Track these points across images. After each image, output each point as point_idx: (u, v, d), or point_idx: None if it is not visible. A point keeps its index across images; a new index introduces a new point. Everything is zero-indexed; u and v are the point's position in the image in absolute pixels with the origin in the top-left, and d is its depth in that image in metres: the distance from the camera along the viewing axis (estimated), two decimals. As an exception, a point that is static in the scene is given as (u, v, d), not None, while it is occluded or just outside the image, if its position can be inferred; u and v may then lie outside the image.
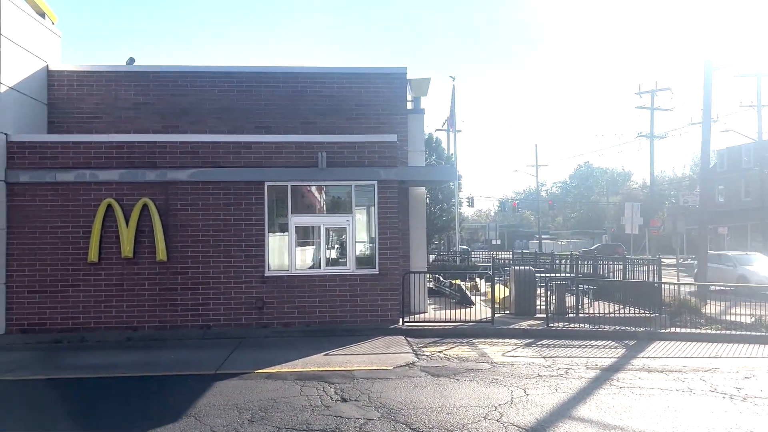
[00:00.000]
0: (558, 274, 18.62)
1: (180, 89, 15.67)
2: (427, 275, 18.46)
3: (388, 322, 13.81)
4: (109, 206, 13.33)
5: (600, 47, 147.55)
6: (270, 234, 13.84)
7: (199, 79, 15.70)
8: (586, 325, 13.86)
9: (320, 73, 15.91)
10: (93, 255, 13.25)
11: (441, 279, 21.68)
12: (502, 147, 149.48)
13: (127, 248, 13.28)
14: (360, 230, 14.20)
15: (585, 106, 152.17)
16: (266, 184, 13.78)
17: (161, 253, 13.36)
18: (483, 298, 18.64)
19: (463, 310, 15.90)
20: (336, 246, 14.18)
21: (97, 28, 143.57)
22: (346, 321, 13.78)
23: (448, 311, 15.17)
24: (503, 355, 11.37)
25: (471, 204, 71.00)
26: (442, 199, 51.19)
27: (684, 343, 12.84)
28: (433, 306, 16.37)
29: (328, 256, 14.02)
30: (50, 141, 13.46)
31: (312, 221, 14.02)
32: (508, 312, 15.82)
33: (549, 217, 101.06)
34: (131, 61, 16.52)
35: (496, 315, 15.32)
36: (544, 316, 14.30)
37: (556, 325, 13.83)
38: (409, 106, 16.20)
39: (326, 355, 11.26)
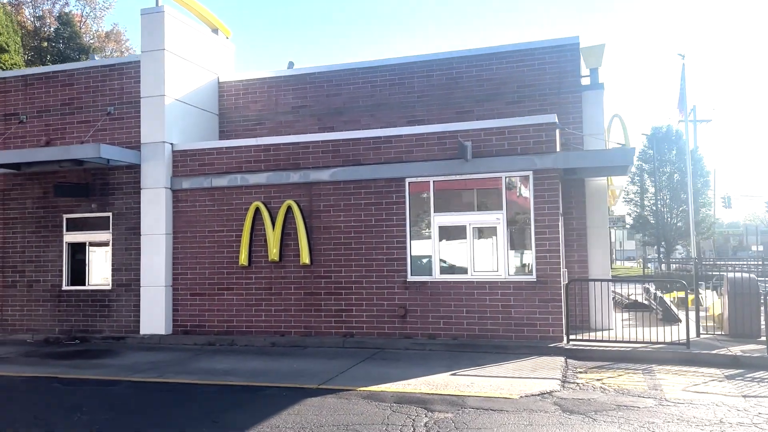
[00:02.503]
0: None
1: (334, 89, 15.24)
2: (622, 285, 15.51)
3: (549, 339, 11.54)
4: (257, 210, 13.29)
5: None
6: (413, 235, 12.55)
7: (351, 76, 15.11)
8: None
9: (476, 56, 14.22)
10: (243, 259, 13.31)
11: (650, 291, 18.20)
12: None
13: (273, 251, 13.08)
14: (515, 230, 12.17)
15: None
16: (407, 180, 12.54)
17: (305, 257, 12.90)
18: (705, 314, 14.97)
19: (660, 329, 12.79)
20: (486, 249, 12.32)
21: (262, 36, 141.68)
22: (498, 335, 11.85)
23: (639, 329, 12.25)
24: (684, 389, 8.52)
25: (727, 205, 61.47)
26: (684, 199, 44.72)
27: None
28: (629, 322, 13.50)
29: (476, 261, 12.24)
30: (207, 148, 13.90)
31: (457, 220, 12.38)
32: (721, 333, 12.32)
33: None
34: (291, 65, 16.63)
35: (705, 335, 12.09)
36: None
37: (783, 353, 10.23)
38: (585, 81, 13.64)
39: (453, 374, 9.58)
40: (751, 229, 62.41)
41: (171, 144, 14.08)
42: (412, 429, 6.85)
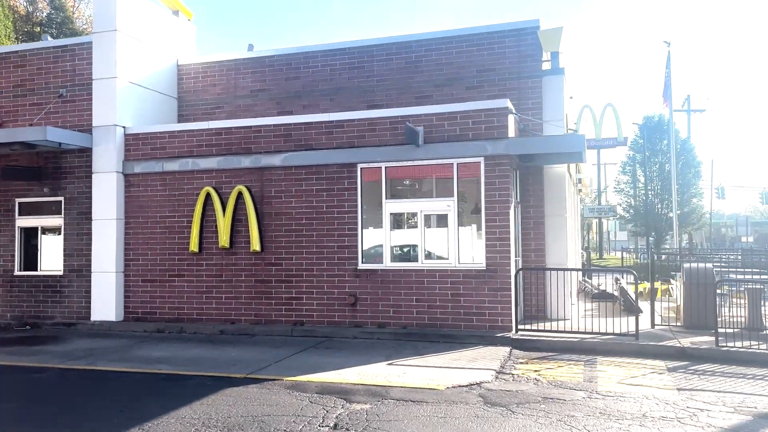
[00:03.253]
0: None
1: (293, 72, 14.91)
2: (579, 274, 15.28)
3: (498, 329, 11.30)
4: (208, 195, 13.00)
5: None
6: (365, 222, 12.27)
7: (311, 60, 14.77)
8: (781, 348, 9.77)
9: (435, 39, 13.87)
10: (194, 245, 13.03)
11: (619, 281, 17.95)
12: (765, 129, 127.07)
13: (224, 238, 12.80)
14: (466, 218, 11.90)
15: None
16: (359, 166, 12.25)
17: (255, 243, 12.63)
18: (674, 305, 14.70)
19: (616, 320, 12.55)
20: (438, 236, 12.05)
21: (226, 18, 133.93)
22: (448, 324, 11.61)
23: (595, 320, 11.99)
24: (619, 382, 8.29)
25: (721, 195, 61.16)
26: (678, 189, 44.38)
27: None
28: (591, 312, 13.27)
29: (427, 249, 11.98)
30: (159, 131, 13.59)
31: (409, 207, 12.11)
32: (678, 324, 12.09)
33: None
34: (251, 48, 16.27)
35: (661, 327, 11.88)
36: (731, 331, 10.53)
37: (732, 344, 9.98)
38: (545, 66, 13.30)
39: (390, 364, 9.34)
40: (741, 220, 62.02)
41: (123, 127, 13.76)
42: (321, 420, 6.61)
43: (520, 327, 11.38)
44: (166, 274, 13.34)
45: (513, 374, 8.72)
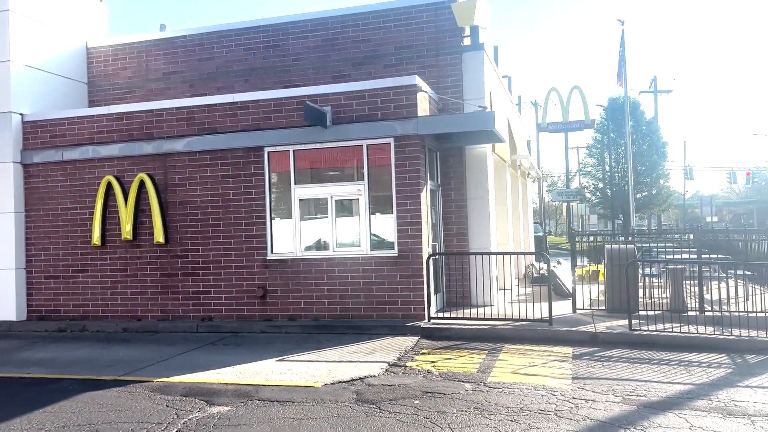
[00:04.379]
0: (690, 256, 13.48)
1: (206, 53, 14.11)
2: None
3: (411, 318, 10.73)
4: (109, 184, 12.20)
5: None
6: (273, 209, 11.60)
7: (224, 39, 13.98)
8: (705, 329, 9.32)
9: (352, 15, 13.17)
10: (96, 238, 12.24)
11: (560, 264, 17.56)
12: (733, 108, 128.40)
13: (126, 229, 12.04)
14: (378, 202, 11.29)
15: None
16: (266, 150, 11.54)
17: (159, 235, 11.88)
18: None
19: (537, 305, 12.07)
20: (349, 223, 11.43)
21: None
22: (360, 315, 11.01)
23: (515, 306, 11.47)
24: (514, 371, 7.76)
25: (689, 176, 61.44)
26: (642, 171, 44.32)
27: None
28: (525, 297, 12.76)
29: (338, 236, 11.35)
30: (58, 118, 12.72)
31: (319, 192, 11.44)
32: (602, 308, 11.64)
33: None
34: (162, 28, 15.41)
35: (583, 311, 11.40)
36: (653, 313, 10.11)
37: (647, 328, 9.52)
38: (466, 42, 12.68)
39: (280, 360, 8.72)
40: (705, 200, 62.49)
41: (21, 114, 12.87)
42: (164, 427, 5.96)
43: (436, 315, 10.84)
44: (70, 270, 12.54)
45: (407, 366, 8.15)
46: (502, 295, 12.63)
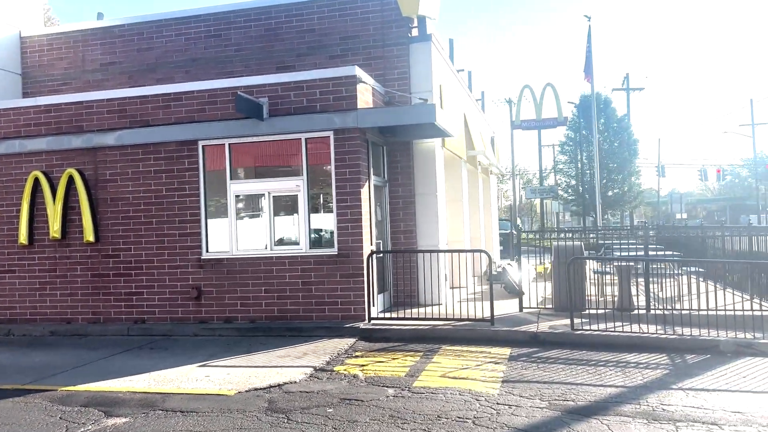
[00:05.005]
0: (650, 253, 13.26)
1: (145, 43, 13.51)
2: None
3: (351, 319, 10.29)
4: (37, 180, 11.56)
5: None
6: (209, 206, 11.08)
7: (164, 28, 13.39)
8: (649, 328, 9.02)
9: (296, 4, 12.68)
10: (23, 237, 11.59)
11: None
12: (704, 106, 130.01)
13: (55, 228, 11.40)
14: (317, 199, 10.83)
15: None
16: (200, 143, 11.00)
17: (89, 233, 11.27)
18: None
19: (486, 304, 11.72)
20: (288, 220, 10.96)
21: None
22: (299, 316, 10.54)
23: (463, 304, 11.11)
24: (444, 375, 7.37)
25: (661, 173, 61.84)
26: (613, 168, 44.29)
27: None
28: (476, 295, 12.42)
29: (277, 233, 10.87)
30: (-18, 110, 12.03)
31: (256, 188, 10.95)
32: (550, 307, 11.32)
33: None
34: (100, 16, 14.77)
35: (530, 310, 11.07)
36: (602, 312, 9.81)
37: (588, 329, 9.20)
38: (415, 33, 12.26)
39: (202, 365, 8.22)
40: (675, 198, 63.09)
41: (-57, 106, 12.15)
42: (46, 444, 5.45)
43: (377, 315, 10.41)
44: (-4, 271, 11.88)
45: (333, 371, 7.71)
46: (454, 294, 12.26)
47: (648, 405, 6.03)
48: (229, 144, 10.89)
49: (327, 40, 12.52)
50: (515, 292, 13.23)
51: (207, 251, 10.98)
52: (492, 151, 22.69)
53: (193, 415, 6.08)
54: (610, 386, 6.79)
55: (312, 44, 12.61)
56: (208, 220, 11.04)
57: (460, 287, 13.24)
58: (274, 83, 10.67)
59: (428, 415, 5.88)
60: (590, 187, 44.02)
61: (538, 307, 11.13)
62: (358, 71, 10.48)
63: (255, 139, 10.80)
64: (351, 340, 9.43)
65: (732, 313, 9.28)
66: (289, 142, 10.73)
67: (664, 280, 12.16)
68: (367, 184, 10.74)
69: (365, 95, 10.76)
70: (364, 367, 7.85)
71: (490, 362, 7.99)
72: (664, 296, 11.08)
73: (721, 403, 6.03)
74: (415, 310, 11.09)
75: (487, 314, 10.10)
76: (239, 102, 9.96)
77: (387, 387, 6.93)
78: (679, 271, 12.15)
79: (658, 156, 61.68)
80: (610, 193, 45.66)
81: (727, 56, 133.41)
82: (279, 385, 7.08)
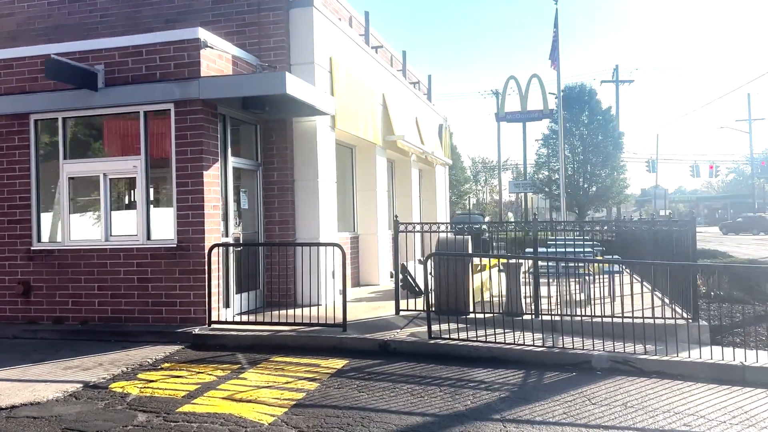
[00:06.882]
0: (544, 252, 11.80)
1: (6, 8, 12.04)
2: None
3: (191, 322, 8.87)
4: None
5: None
6: (41, 190, 9.64)
7: (25, -9, 11.93)
8: (532, 337, 7.61)
9: (165, -36, 11.22)
10: None
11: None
12: (699, 99, 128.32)
13: None
14: (159, 182, 9.40)
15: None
16: (32, 117, 9.57)
17: None
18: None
19: (363, 306, 10.29)
20: (126, 207, 9.53)
21: None
22: (134, 318, 9.11)
23: (338, 306, 9.68)
24: (229, 397, 5.95)
25: (652, 169, 60.45)
26: (600, 162, 42.71)
27: (692, 385, 6.20)
28: (376, 294, 11.05)
29: (114, 222, 9.43)
30: None
31: (91, 169, 9.50)
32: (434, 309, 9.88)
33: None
34: (-40, -21, 13.27)
35: (405, 313, 9.68)
36: (489, 316, 8.38)
37: (446, 338, 7.77)
38: (297, -3, 10.79)
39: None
40: (659, 193, 61.68)
41: None
42: None
43: (220, 319, 8.96)
44: None
45: (108, 388, 6.29)
46: (355, 293, 10.81)
47: (434, 446, 4.63)
48: (63, 118, 9.45)
49: (198, 4, 11.05)
50: (414, 293, 11.87)
51: (38, 241, 9.57)
52: (439, 140, 21.22)
53: None
54: (419, 414, 5.40)
55: (182, 9, 11.15)
56: (41, 206, 9.61)
57: (335, 287, 11.61)
58: (111, 48, 9.22)
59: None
60: (572, 181, 42.66)
61: (419, 310, 9.69)
62: (204, 34, 9.04)
63: (90, 112, 9.36)
64: (173, 348, 8.01)
65: (640, 321, 7.79)
66: (128, 116, 9.29)
67: (570, 282, 10.71)
68: (218, 165, 9.30)
69: (218, 63, 9.31)
70: (149, 384, 6.43)
71: (308, 378, 6.58)
72: (569, 300, 9.66)
73: (528, 445, 4.63)
74: (283, 312, 9.60)
75: (352, 318, 8.69)
76: (51, 67, 8.48)
77: (146, 411, 5.54)
78: (590, 272, 10.76)
79: (656, 151, 60.32)
80: (593, 188, 44.17)
81: (726, 56, 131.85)
82: (12, 407, 5.66)
